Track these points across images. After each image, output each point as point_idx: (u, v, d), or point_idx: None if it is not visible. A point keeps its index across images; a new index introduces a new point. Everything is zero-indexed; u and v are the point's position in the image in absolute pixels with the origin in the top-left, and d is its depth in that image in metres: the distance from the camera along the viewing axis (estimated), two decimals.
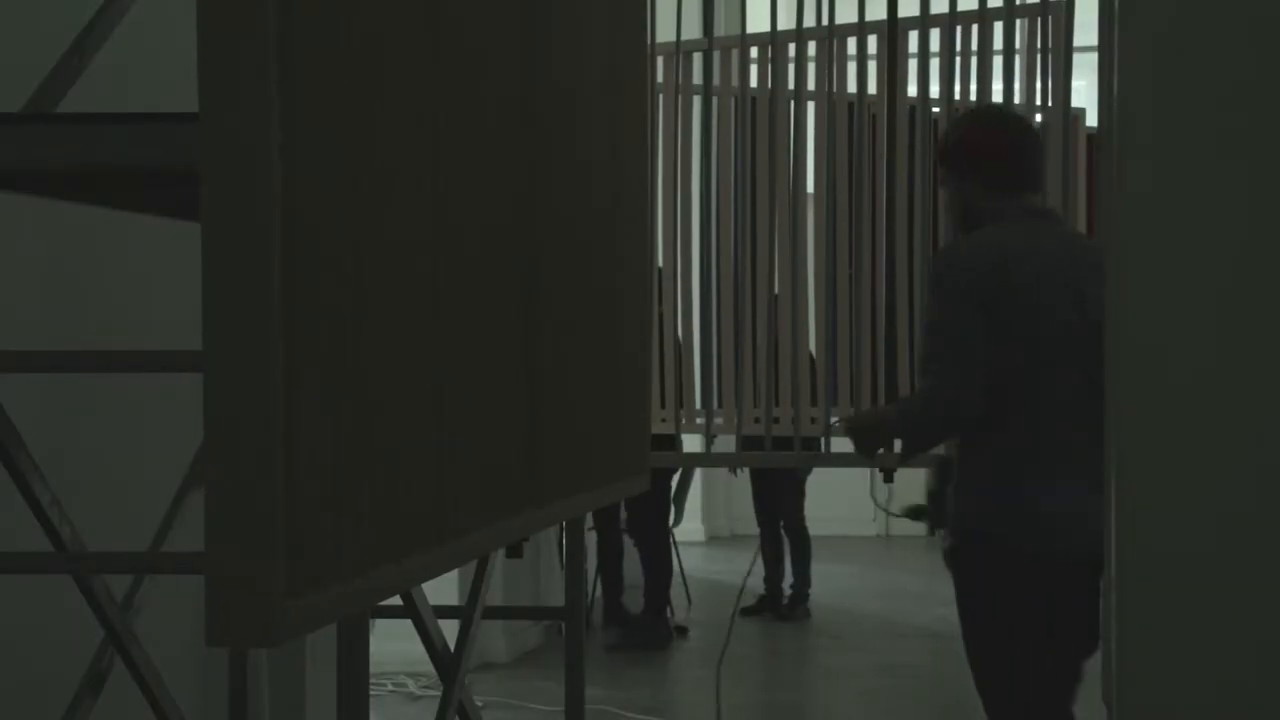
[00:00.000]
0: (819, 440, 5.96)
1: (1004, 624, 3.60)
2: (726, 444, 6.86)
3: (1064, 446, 3.57)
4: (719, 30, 6.10)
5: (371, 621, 3.18)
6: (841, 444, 5.94)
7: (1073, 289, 3.64)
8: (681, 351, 6.05)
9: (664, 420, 5.90)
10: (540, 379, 2.51)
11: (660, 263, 6.01)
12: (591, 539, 8.43)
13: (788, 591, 9.56)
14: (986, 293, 3.54)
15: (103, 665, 2.84)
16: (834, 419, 4.92)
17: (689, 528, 11.31)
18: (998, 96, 5.68)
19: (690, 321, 6.06)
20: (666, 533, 8.55)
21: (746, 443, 6.22)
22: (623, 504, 8.51)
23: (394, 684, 7.02)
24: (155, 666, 2.84)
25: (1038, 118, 5.76)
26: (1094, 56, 5.72)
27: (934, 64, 5.73)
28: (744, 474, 9.93)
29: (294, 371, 1.51)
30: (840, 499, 13.03)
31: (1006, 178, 3.74)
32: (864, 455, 4.01)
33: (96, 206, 2.42)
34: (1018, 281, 3.56)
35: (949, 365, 3.55)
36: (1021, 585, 3.56)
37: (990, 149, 3.74)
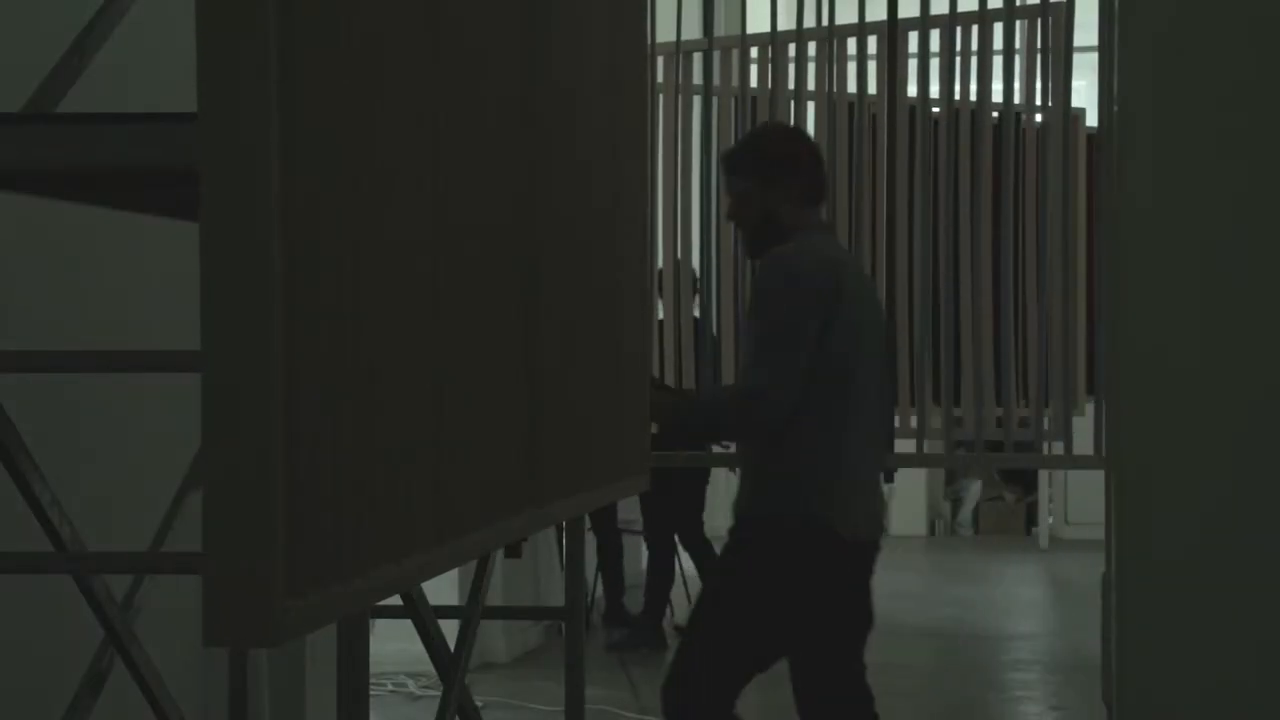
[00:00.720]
0: None
1: (796, 600, 3.82)
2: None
3: (864, 441, 3.87)
4: (719, 30, 6.10)
5: (371, 621, 3.18)
6: None
7: (873, 297, 4.03)
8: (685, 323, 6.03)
9: None
10: (540, 379, 2.52)
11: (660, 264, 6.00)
12: (591, 539, 8.42)
13: None
14: (826, 299, 3.76)
15: (103, 665, 2.84)
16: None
17: None
18: (998, 96, 5.68)
19: (690, 320, 6.06)
20: (672, 536, 8.51)
21: None
22: (640, 509, 8.52)
23: (394, 684, 7.02)
24: (155, 666, 2.84)
25: (1038, 118, 5.77)
26: (1094, 56, 5.73)
27: (934, 64, 5.73)
28: None
29: (294, 371, 1.51)
30: None
31: (817, 190, 3.97)
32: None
33: (96, 206, 2.42)
34: (847, 291, 3.81)
35: (783, 368, 3.75)
36: (829, 563, 3.82)
37: (804, 161, 3.96)
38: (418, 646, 3.20)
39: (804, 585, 3.81)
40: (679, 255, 5.97)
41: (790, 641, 3.91)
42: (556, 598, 7.84)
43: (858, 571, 3.92)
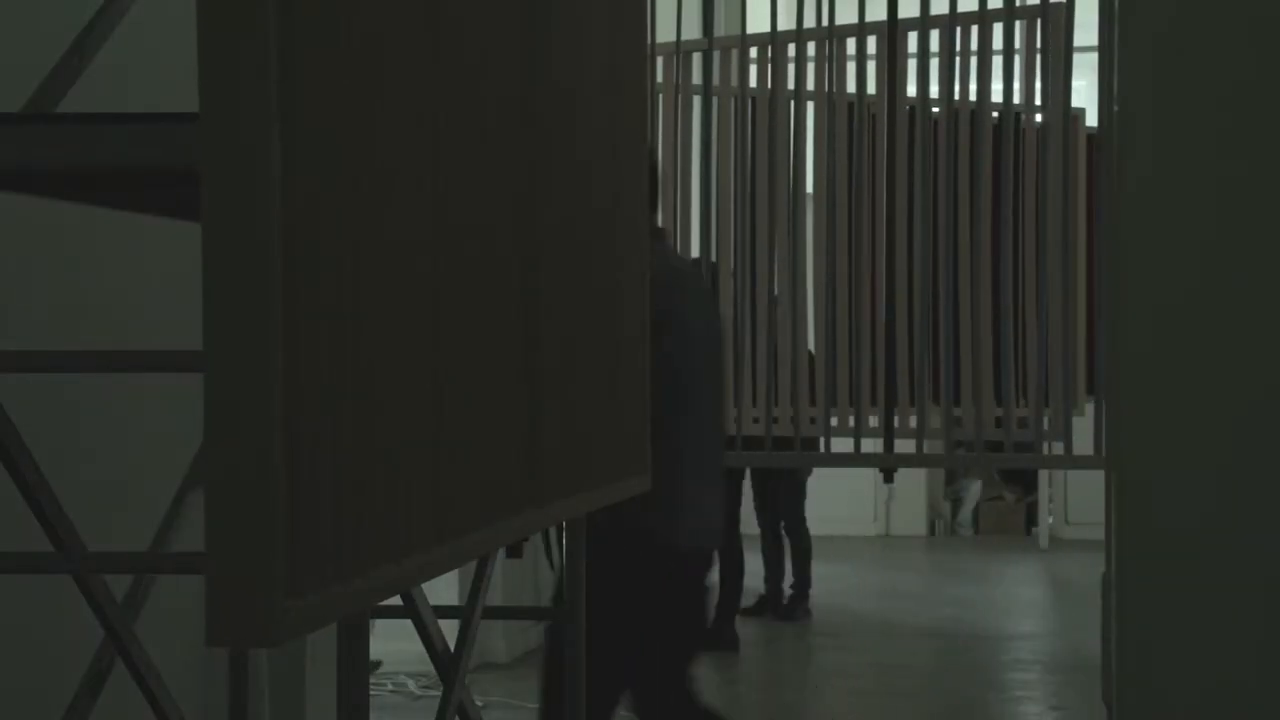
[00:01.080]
0: (819, 440, 5.96)
1: (631, 611, 3.90)
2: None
3: (700, 451, 3.91)
4: (719, 30, 6.10)
5: (371, 621, 3.18)
6: (842, 444, 5.94)
7: (709, 309, 4.06)
8: None
9: None
10: (540, 379, 2.51)
11: None
12: None
13: (788, 592, 9.56)
14: (663, 312, 3.70)
15: (103, 665, 2.84)
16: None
17: None
18: (997, 97, 5.68)
19: None
20: (737, 536, 8.46)
21: (746, 443, 6.22)
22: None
23: (394, 684, 7.02)
24: (155, 666, 2.84)
25: (1038, 118, 5.77)
26: (1094, 56, 5.74)
27: (934, 64, 5.73)
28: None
29: (294, 371, 1.51)
30: (840, 499, 13.03)
31: (652, 198, 3.98)
32: None
33: (96, 206, 2.42)
34: (682, 302, 3.85)
35: None
36: (659, 572, 3.90)
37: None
38: (418, 646, 3.20)
39: (635, 596, 3.87)
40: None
41: (629, 652, 3.96)
42: None
43: (689, 580, 3.97)
